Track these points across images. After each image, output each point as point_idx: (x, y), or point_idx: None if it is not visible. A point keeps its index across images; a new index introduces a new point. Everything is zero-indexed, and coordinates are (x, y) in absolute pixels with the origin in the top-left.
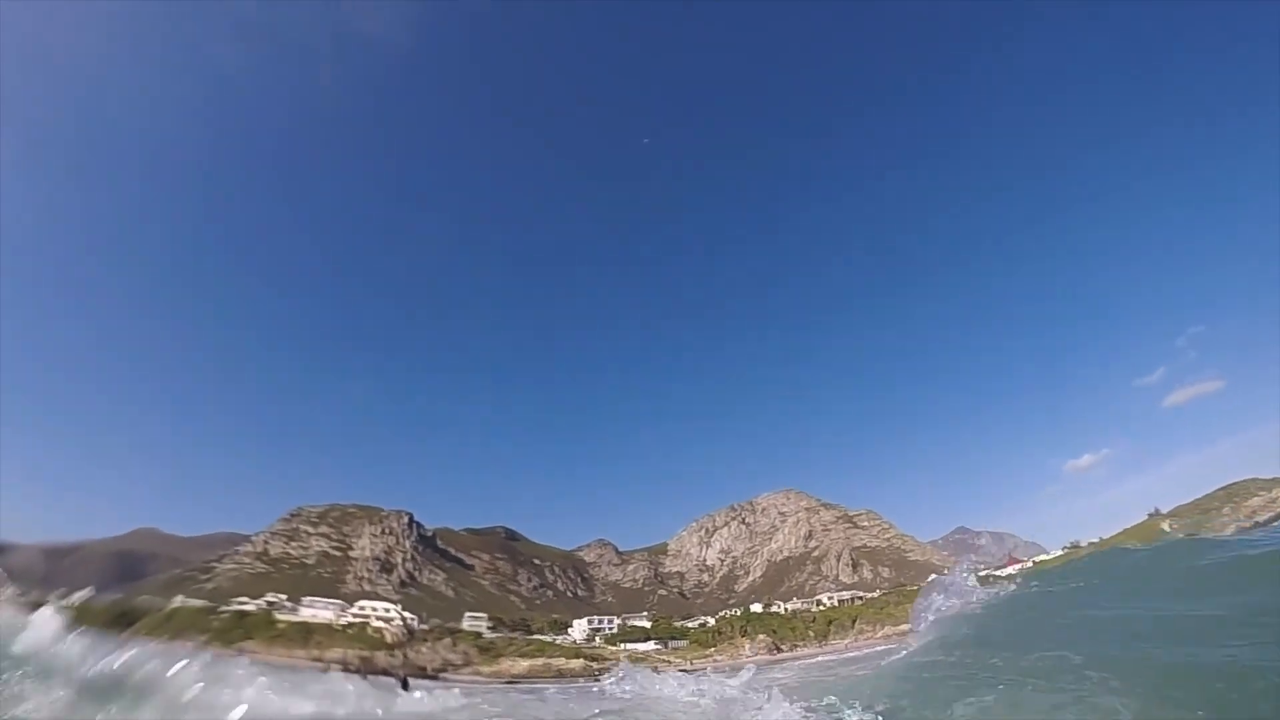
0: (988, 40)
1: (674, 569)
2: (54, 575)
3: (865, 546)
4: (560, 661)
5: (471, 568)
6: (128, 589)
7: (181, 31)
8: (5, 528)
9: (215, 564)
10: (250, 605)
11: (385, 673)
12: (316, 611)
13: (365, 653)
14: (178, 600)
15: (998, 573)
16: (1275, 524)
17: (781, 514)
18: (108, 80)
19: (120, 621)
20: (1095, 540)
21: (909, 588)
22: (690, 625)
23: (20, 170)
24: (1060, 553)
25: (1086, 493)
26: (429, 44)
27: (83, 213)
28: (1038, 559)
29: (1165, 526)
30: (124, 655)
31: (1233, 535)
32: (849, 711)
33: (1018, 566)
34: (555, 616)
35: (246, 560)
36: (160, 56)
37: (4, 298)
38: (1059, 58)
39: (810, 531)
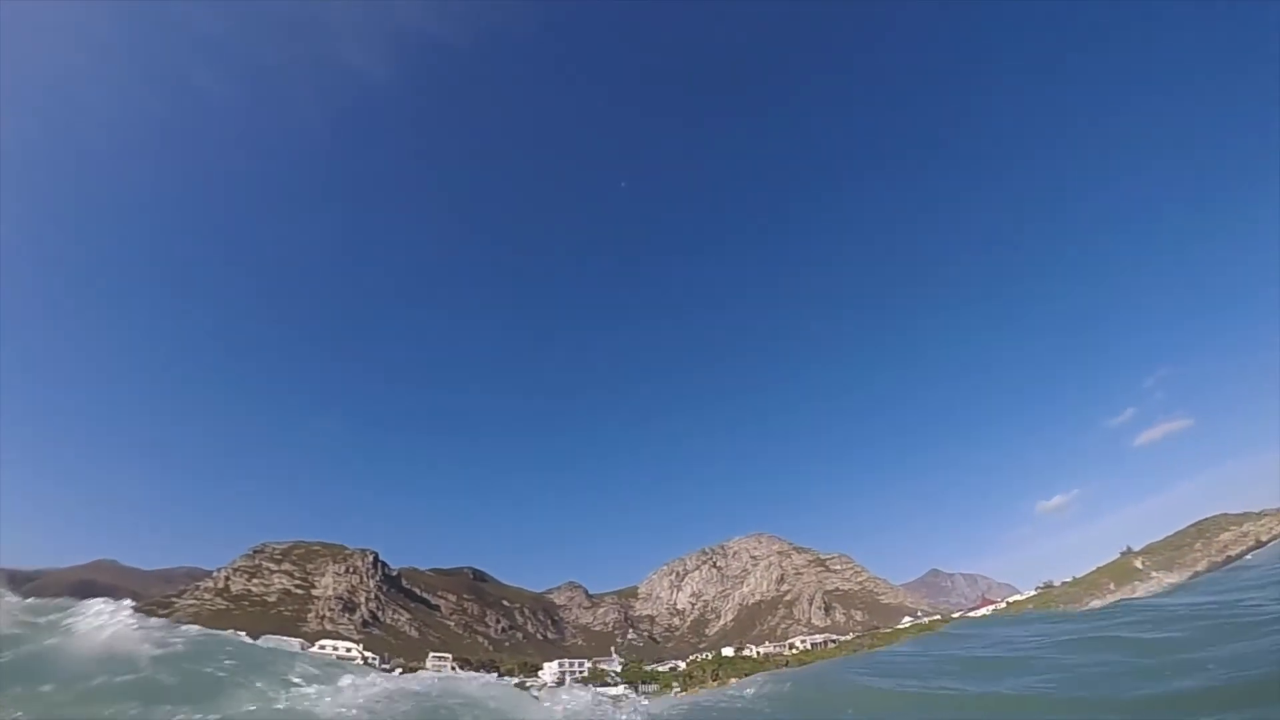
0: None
1: (645, 612)
2: None
3: (838, 590)
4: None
5: (437, 608)
6: None
7: (162, 55)
8: None
9: (175, 598)
10: None
11: None
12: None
13: None
14: None
15: (971, 614)
16: (1246, 557)
17: (753, 557)
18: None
19: None
20: (1069, 580)
21: (882, 630)
22: (661, 669)
23: None
24: (1033, 593)
25: (1058, 533)
26: (413, 61)
27: (39, 239)
28: (1011, 599)
29: (1138, 564)
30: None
31: (1199, 574)
32: None
33: (991, 608)
34: (525, 659)
35: (207, 596)
36: (143, 81)
37: None
38: (1024, 101)
39: (782, 575)
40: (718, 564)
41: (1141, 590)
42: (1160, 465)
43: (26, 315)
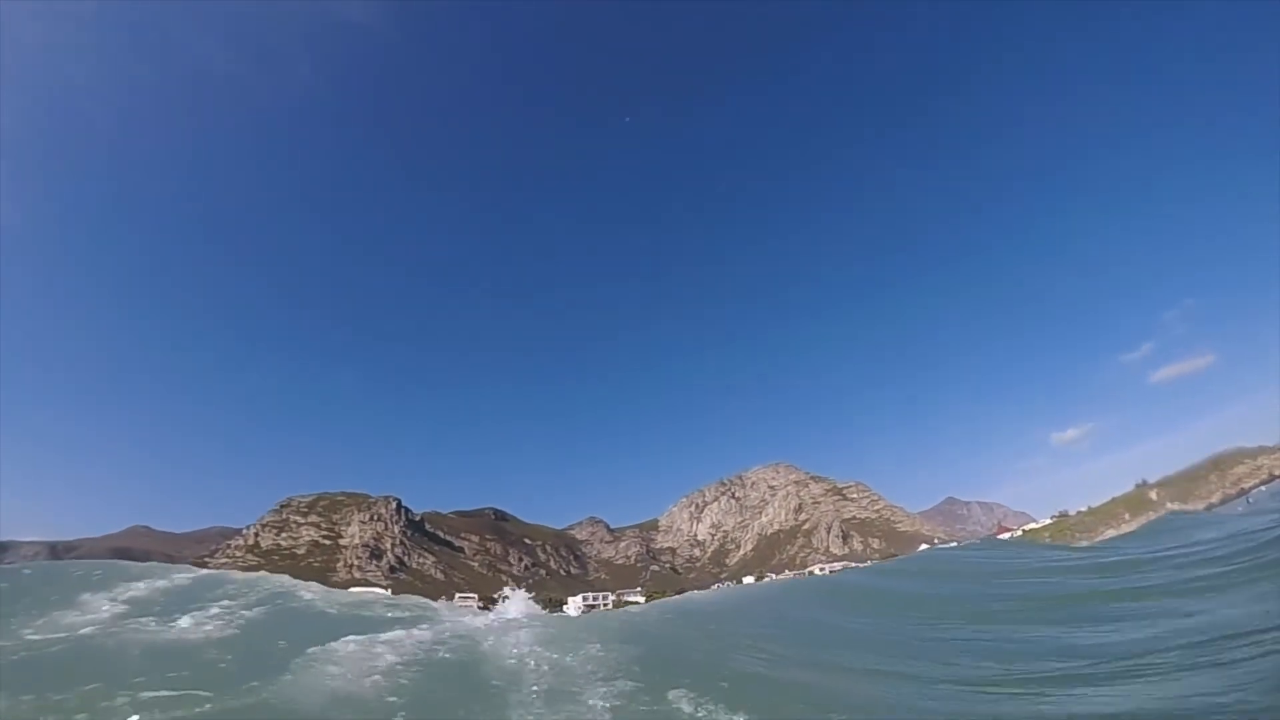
0: (984, 30)
1: (665, 544)
2: None
3: (855, 518)
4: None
5: (461, 550)
6: None
7: (166, 30)
8: (8, 526)
9: (208, 558)
10: None
11: None
12: None
13: None
14: None
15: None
16: (1258, 490)
17: (771, 488)
18: (91, 79)
19: None
20: (1083, 509)
21: (900, 557)
22: None
23: (10, 172)
24: (1049, 521)
25: (1072, 464)
26: (421, 35)
27: (68, 212)
28: (1027, 527)
29: (1153, 495)
30: None
31: (1213, 505)
32: None
33: (1008, 534)
34: (549, 595)
35: (239, 553)
36: (144, 54)
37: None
38: (1050, 46)
39: (800, 505)
40: (736, 495)
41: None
42: (1179, 401)
43: (50, 298)
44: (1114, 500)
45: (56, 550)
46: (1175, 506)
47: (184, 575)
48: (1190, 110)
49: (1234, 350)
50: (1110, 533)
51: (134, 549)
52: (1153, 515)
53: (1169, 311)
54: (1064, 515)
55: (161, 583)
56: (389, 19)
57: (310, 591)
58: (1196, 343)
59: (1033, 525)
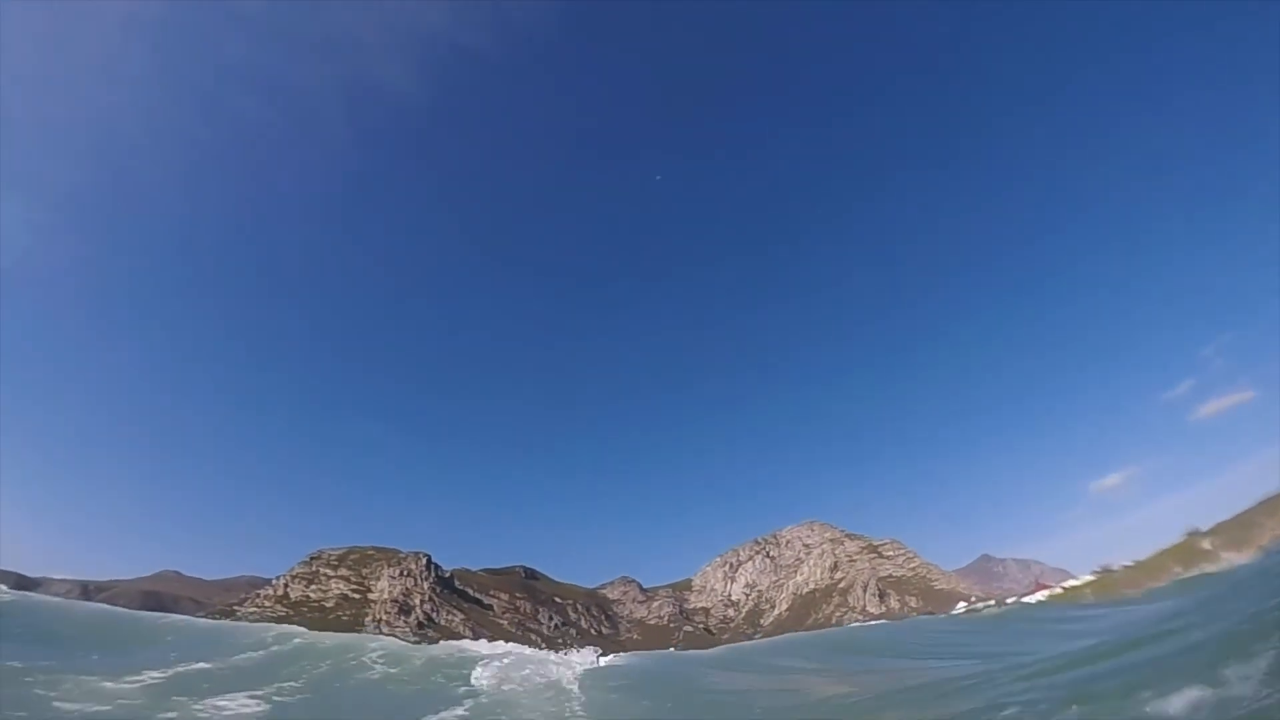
0: (1003, 43)
1: (699, 604)
2: None
3: (891, 576)
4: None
5: (490, 607)
6: None
7: (193, 76)
8: (40, 563)
9: (237, 606)
10: None
11: None
12: None
13: None
14: None
15: (1025, 599)
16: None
17: (806, 546)
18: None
19: None
20: (1129, 563)
21: (937, 615)
22: None
23: (29, 198)
24: (1090, 577)
25: (1114, 514)
26: (436, 95)
27: (119, 260)
28: (1066, 584)
29: (1206, 545)
30: None
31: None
32: None
33: (1046, 592)
34: None
35: (268, 603)
36: (183, 110)
37: (23, 344)
38: (1081, 63)
39: (835, 563)
40: (770, 553)
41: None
42: (1221, 440)
43: (82, 338)
44: (1162, 552)
45: (88, 590)
46: (1230, 556)
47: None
48: (1220, 140)
49: (1274, 385)
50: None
51: (164, 593)
52: (1206, 566)
53: (1207, 347)
54: (1107, 570)
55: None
56: (425, 86)
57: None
58: (1236, 377)
59: (1073, 582)
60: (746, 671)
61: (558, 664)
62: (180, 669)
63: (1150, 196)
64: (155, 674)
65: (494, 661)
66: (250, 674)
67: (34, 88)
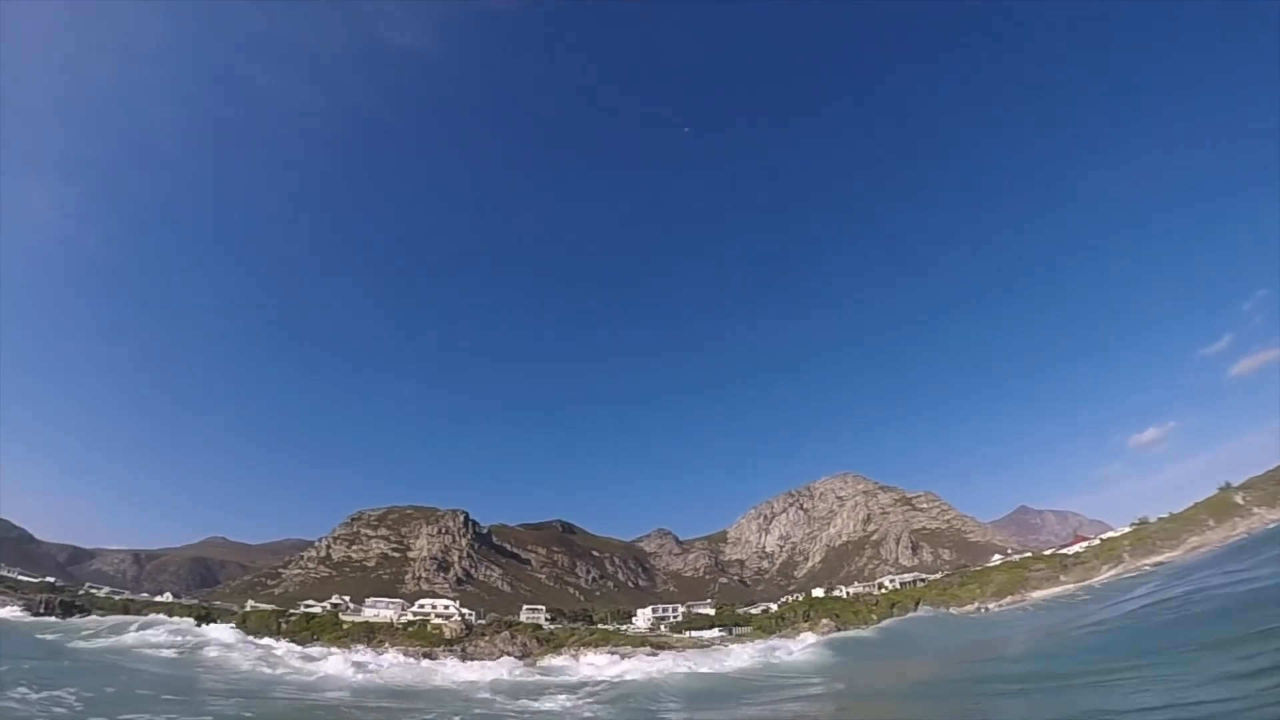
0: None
1: (734, 556)
2: (141, 578)
3: (925, 529)
4: (627, 648)
5: (528, 562)
6: (204, 594)
7: (213, 52)
8: (96, 535)
9: (282, 569)
10: (317, 608)
11: None
12: (380, 611)
13: (426, 648)
14: (249, 604)
15: (1064, 550)
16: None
17: (839, 498)
18: (143, 100)
19: (202, 622)
20: (1165, 515)
21: (971, 569)
22: (753, 611)
23: (66, 191)
24: (1128, 529)
25: (1152, 468)
26: (457, 55)
27: (131, 236)
28: (1105, 536)
29: (1239, 500)
30: None
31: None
32: None
33: (1084, 544)
34: (617, 607)
35: (311, 565)
36: (194, 76)
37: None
38: (1121, 40)
39: (869, 515)
40: (804, 506)
41: (1243, 527)
42: (1258, 396)
43: (131, 326)
44: (1196, 506)
45: (140, 559)
46: (1262, 511)
47: None
48: (1257, 98)
49: None
50: (1194, 540)
51: (211, 559)
52: (1240, 521)
53: (1247, 302)
54: (1144, 522)
55: None
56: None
57: None
58: (1274, 334)
59: (1111, 534)
60: None
61: None
62: None
63: (1199, 153)
64: None
65: None
66: None
67: (52, 68)
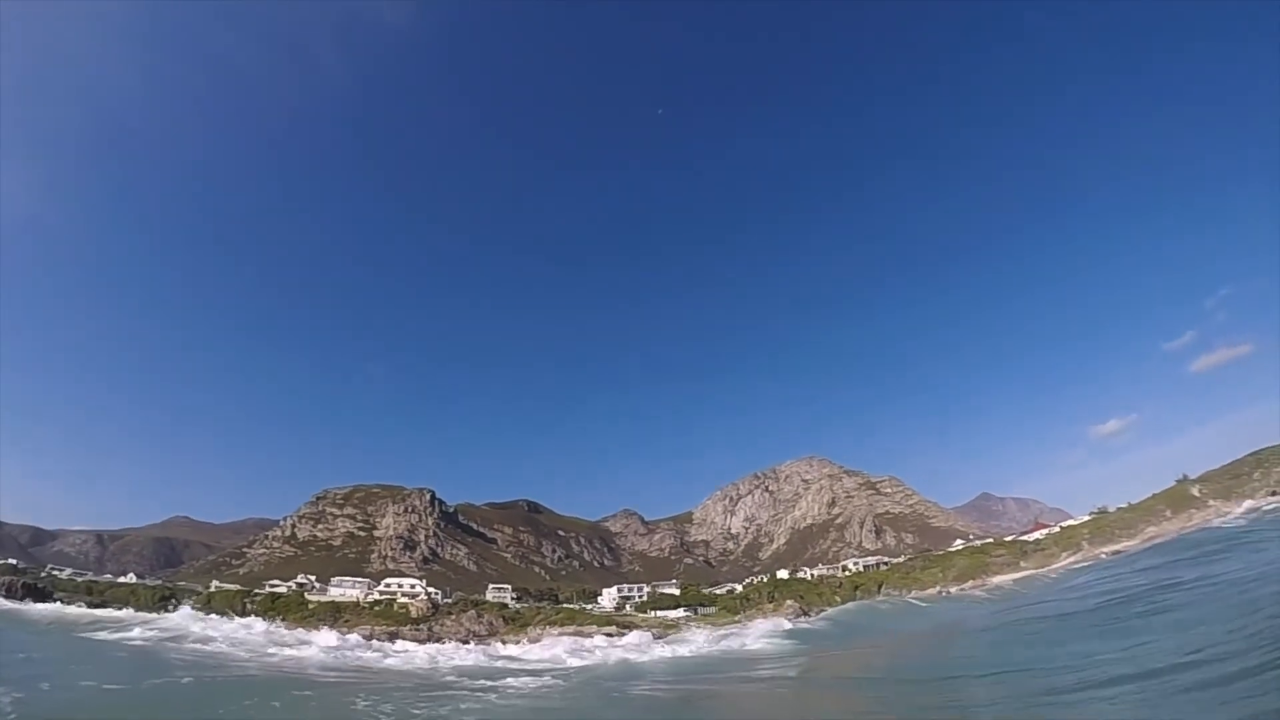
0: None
1: (699, 537)
2: (104, 559)
3: (888, 513)
4: (592, 628)
5: (494, 541)
6: (168, 574)
7: (184, 25)
8: (57, 516)
9: (246, 549)
10: (282, 587)
11: None
12: (345, 590)
13: (392, 627)
14: (214, 585)
15: (1025, 537)
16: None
17: (805, 481)
18: (111, 76)
19: (167, 603)
20: (1124, 505)
21: (933, 553)
22: (718, 592)
23: (29, 171)
24: (1087, 518)
25: (1112, 458)
26: (436, 33)
27: (104, 213)
28: (1064, 524)
29: (1194, 492)
30: None
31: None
32: None
33: (1044, 531)
34: (583, 586)
35: (275, 544)
36: (163, 50)
37: (36, 310)
38: (1078, 33)
39: (833, 499)
40: (770, 488)
41: (1198, 519)
42: (1218, 392)
43: (91, 302)
44: (1154, 497)
45: (103, 539)
46: (1217, 504)
47: None
48: (1227, 94)
49: (1271, 340)
50: (1151, 530)
51: (175, 539)
52: (1195, 512)
53: (1210, 299)
54: (1103, 511)
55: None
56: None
57: None
58: (1234, 331)
59: (1071, 522)
60: None
61: None
62: None
63: (1163, 149)
64: None
65: None
66: None
67: (20, 46)
